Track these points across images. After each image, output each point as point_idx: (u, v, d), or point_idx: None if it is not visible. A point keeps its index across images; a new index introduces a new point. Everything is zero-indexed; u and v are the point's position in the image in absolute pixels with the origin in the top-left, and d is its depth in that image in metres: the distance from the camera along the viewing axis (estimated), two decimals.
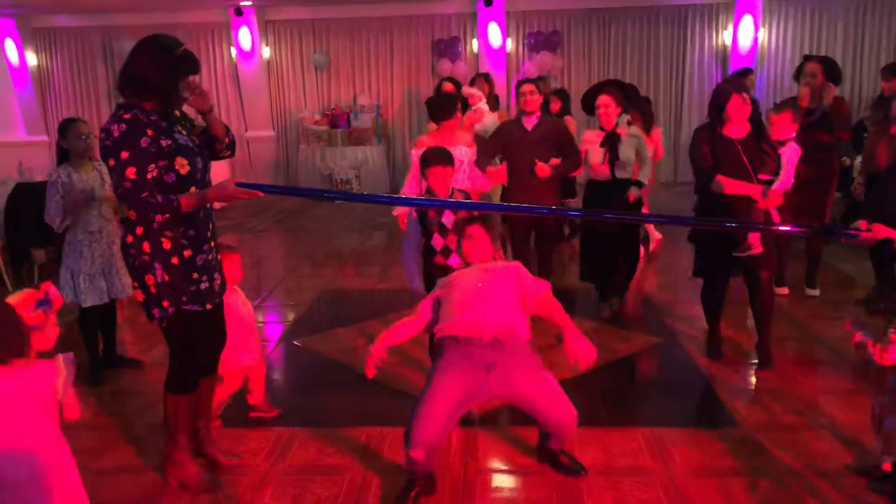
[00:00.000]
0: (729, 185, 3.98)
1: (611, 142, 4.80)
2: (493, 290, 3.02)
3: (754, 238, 4.00)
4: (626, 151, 4.83)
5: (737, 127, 4.05)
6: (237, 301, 3.55)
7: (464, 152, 4.49)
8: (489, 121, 5.93)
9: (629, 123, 6.70)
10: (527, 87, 4.89)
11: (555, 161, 4.81)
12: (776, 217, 4.02)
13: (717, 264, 4.26)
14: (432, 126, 4.96)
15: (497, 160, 5.16)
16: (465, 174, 4.46)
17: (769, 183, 3.95)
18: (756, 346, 4.30)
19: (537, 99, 4.90)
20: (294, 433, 3.59)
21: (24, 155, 9.13)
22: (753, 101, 4.26)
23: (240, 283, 3.59)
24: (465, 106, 5.83)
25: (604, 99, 4.79)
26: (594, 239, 5.09)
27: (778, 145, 4.04)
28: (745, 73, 8.04)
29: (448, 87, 6.07)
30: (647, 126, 6.53)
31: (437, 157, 3.81)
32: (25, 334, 2.30)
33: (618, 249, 5.03)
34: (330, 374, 4.39)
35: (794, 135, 4.13)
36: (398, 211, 4.64)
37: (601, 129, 4.87)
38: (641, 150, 4.92)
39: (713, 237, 4.15)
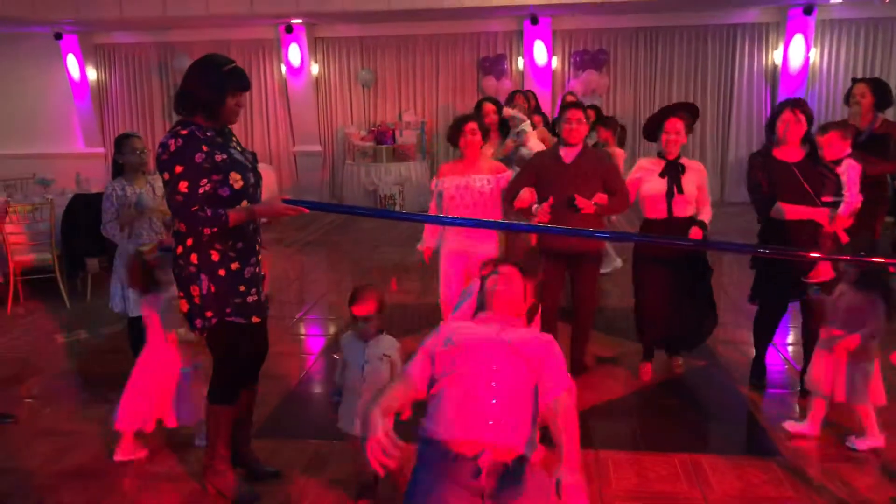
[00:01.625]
0: (790, 211, 3.88)
1: (674, 172, 4.16)
2: (506, 381, 2.22)
3: (824, 266, 3.84)
4: (689, 185, 4.16)
5: (791, 150, 3.96)
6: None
7: (486, 182, 4.12)
8: (535, 144, 5.24)
9: (605, 143, 6.60)
10: (574, 114, 4.10)
11: (601, 196, 4.04)
12: (844, 239, 3.89)
13: (778, 292, 4.12)
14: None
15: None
16: (489, 206, 4.12)
17: (833, 205, 3.84)
18: (801, 372, 4.21)
19: (584, 129, 4.14)
20: (332, 446, 3.63)
21: (81, 166, 9.50)
22: (809, 126, 4.08)
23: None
24: (506, 129, 5.29)
25: (675, 124, 4.14)
26: (651, 289, 4.31)
27: (833, 165, 3.92)
28: None
29: (488, 108, 5.38)
30: (620, 146, 6.48)
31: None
32: (151, 273, 3.51)
33: (684, 296, 4.26)
34: None
35: (848, 152, 3.98)
36: (424, 245, 4.43)
37: (660, 156, 4.22)
38: (703, 185, 4.26)
39: (775, 264, 4.03)
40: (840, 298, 3.52)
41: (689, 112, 4.31)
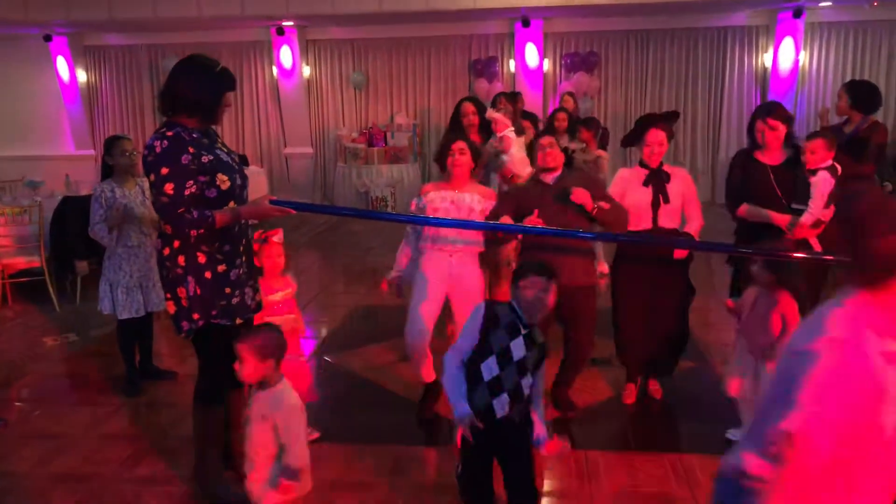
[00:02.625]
0: (750, 213, 3.94)
1: (658, 181, 3.95)
2: None
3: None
4: (674, 194, 3.95)
5: (772, 153, 3.98)
6: None
7: (476, 201, 3.80)
8: (517, 151, 4.77)
9: (585, 144, 6.53)
10: (546, 140, 3.89)
11: (603, 203, 3.71)
12: (817, 247, 3.86)
13: None
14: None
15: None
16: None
17: (798, 212, 3.81)
18: None
19: (559, 155, 3.88)
20: (323, 449, 3.62)
21: (71, 168, 9.47)
22: (790, 130, 4.04)
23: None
24: (489, 132, 4.81)
25: (657, 135, 3.93)
26: (630, 307, 4.07)
27: (810, 174, 3.85)
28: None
29: (467, 108, 4.91)
30: (602, 147, 6.47)
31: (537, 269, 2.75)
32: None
33: (660, 316, 4.03)
34: (360, 390, 4.43)
35: (829, 163, 3.85)
36: (393, 276, 3.99)
37: (642, 165, 4.02)
38: (691, 193, 4.05)
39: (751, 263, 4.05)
40: (757, 301, 3.48)
41: (668, 121, 4.11)
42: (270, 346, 2.57)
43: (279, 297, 3.61)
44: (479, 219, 3.76)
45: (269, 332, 2.64)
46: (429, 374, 3.94)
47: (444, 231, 3.75)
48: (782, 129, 3.93)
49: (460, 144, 3.85)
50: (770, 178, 3.93)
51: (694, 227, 4.01)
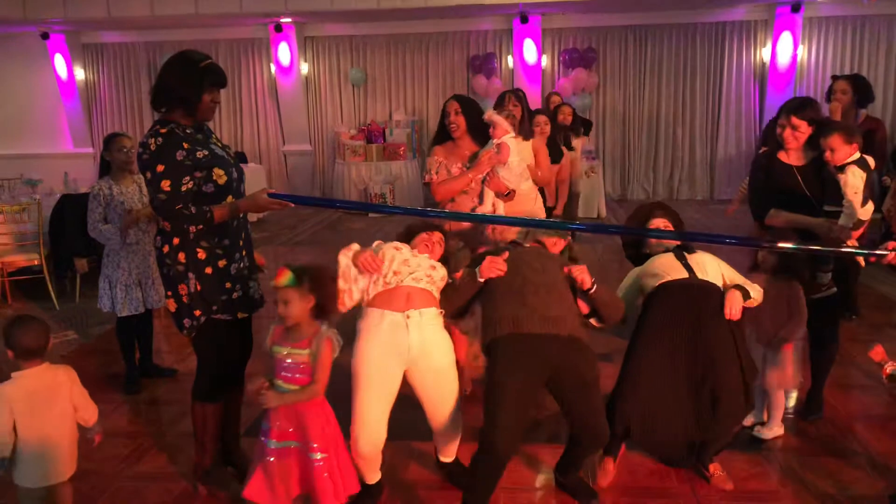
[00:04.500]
0: (785, 219, 3.61)
1: (678, 248, 3.34)
2: None
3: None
4: (703, 254, 3.34)
5: (794, 153, 3.71)
6: None
7: (437, 279, 3.07)
8: (516, 163, 3.88)
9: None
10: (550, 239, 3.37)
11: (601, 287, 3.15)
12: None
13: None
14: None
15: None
16: (432, 297, 3.02)
17: (834, 214, 3.53)
18: (808, 391, 3.85)
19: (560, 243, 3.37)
20: None
21: (70, 166, 9.45)
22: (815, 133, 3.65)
23: None
24: (484, 135, 3.92)
25: (661, 222, 3.46)
26: (652, 384, 3.09)
27: (837, 171, 3.49)
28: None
29: (450, 106, 3.96)
30: (567, 143, 6.39)
31: None
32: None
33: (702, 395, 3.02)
34: None
35: (856, 156, 3.47)
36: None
37: None
38: (723, 266, 3.31)
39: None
40: (764, 289, 3.38)
41: (668, 213, 3.56)
42: (6, 335, 2.59)
43: (279, 350, 2.71)
44: (432, 294, 3.00)
45: (13, 323, 2.62)
46: (375, 476, 3.05)
47: (394, 300, 2.93)
48: (805, 127, 3.60)
49: (424, 236, 3.17)
50: (798, 180, 3.65)
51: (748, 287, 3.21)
